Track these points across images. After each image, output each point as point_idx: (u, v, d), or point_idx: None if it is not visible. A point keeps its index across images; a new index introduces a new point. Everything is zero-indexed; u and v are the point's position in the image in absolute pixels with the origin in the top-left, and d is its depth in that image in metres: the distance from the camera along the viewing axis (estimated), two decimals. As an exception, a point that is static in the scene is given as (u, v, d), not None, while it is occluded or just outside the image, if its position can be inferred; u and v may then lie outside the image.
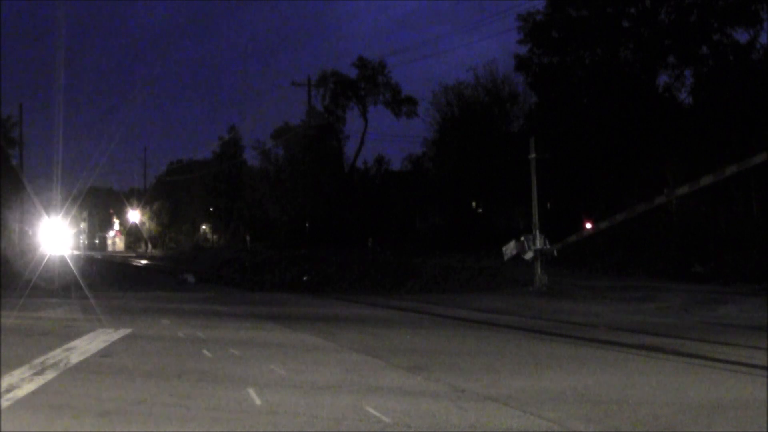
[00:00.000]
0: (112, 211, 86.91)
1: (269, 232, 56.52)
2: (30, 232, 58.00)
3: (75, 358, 8.48)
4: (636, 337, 11.04)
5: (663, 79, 35.92)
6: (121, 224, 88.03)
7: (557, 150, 25.47)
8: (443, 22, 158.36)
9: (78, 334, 10.59)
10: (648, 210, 18.74)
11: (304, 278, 30.85)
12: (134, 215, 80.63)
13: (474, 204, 43.86)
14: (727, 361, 8.61)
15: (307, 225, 44.31)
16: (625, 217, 19.14)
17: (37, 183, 51.66)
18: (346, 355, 9.15)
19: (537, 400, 6.44)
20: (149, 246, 76.35)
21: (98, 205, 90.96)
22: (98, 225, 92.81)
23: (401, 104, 54.06)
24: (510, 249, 21.21)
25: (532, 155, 21.88)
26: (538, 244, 20.61)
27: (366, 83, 54.43)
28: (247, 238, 58.76)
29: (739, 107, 27.86)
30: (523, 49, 37.84)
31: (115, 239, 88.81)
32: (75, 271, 27.77)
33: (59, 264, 32.35)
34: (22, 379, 7.13)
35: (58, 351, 8.97)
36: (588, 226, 20.31)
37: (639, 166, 30.04)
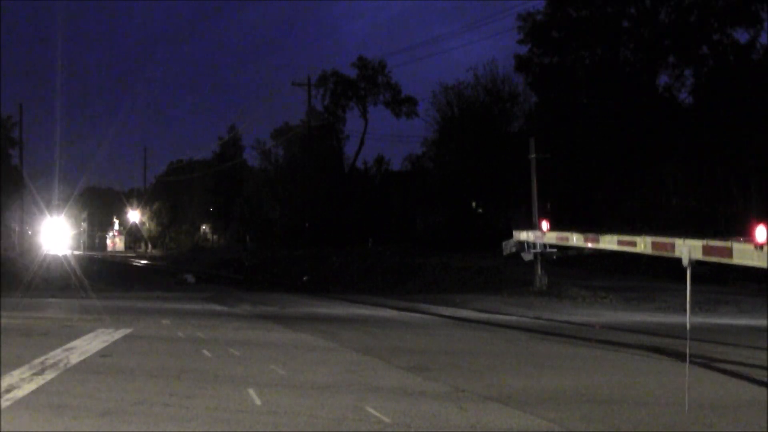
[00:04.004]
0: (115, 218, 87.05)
1: (269, 232, 56.51)
2: (30, 232, 58.02)
3: (75, 358, 8.47)
4: (636, 337, 11.04)
5: (663, 79, 35.99)
6: (121, 224, 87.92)
7: (557, 150, 25.46)
8: (443, 22, 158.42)
9: (78, 334, 10.58)
10: (647, 207, 18.79)
11: (304, 278, 30.83)
12: (134, 215, 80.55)
13: (474, 204, 43.79)
14: (727, 361, 8.62)
15: (306, 225, 44.25)
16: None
17: (37, 183, 51.83)
18: (347, 355, 9.14)
19: (537, 400, 6.44)
20: (149, 246, 76.30)
21: (98, 205, 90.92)
22: (98, 225, 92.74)
23: (401, 104, 54.12)
24: (510, 245, 21.13)
25: (532, 155, 21.86)
26: (538, 246, 20.54)
27: (366, 83, 54.45)
28: (247, 238, 58.75)
29: (739, 107, 27.85)
30: (523, 49, 37.90)
31: (115, 239, 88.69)
32: (75, 271, 27.78)
33: (59, 264, 32.37)
34: (22, 379, 7.13)
35: (58, 351, 8.96)
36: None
37: (639, 166, 30.03)
